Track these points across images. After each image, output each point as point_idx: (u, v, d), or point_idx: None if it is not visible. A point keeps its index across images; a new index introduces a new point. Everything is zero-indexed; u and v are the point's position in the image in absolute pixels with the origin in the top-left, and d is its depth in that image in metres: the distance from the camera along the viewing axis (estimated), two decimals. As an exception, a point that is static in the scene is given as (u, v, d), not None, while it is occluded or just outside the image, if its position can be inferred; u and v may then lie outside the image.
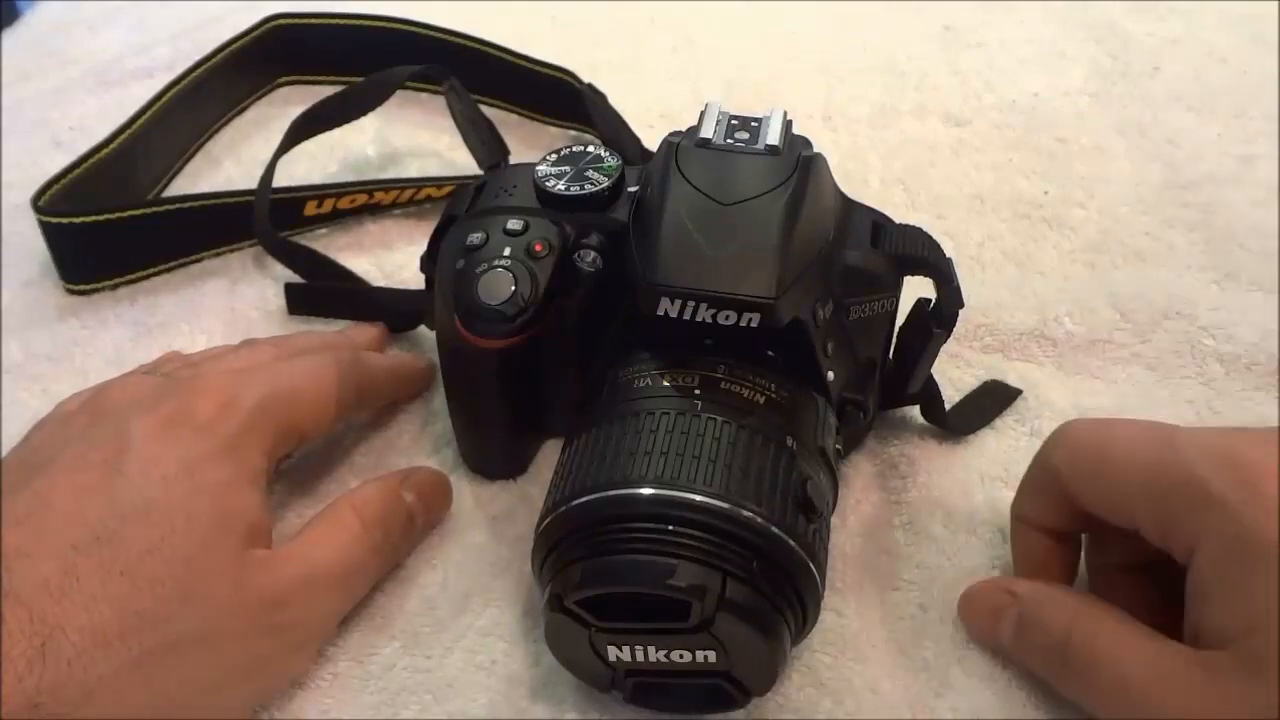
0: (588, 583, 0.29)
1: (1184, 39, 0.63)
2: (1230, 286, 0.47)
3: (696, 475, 0.29)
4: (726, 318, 0.32)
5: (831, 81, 0.62)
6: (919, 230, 0.37)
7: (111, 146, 0.53)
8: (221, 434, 0.33)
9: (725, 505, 0.29)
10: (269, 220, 0.49)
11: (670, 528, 0.29)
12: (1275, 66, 0.60)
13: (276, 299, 0.49)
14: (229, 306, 0.49)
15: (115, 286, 0.50)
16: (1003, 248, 0.50)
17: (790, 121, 0.35)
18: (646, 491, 0.29)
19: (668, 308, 0.32)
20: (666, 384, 0.32)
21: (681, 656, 0.30)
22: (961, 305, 0.36)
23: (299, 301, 0.49)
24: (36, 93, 0.65)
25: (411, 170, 0.57)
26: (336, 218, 0.53)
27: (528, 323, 0.35)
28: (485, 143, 0.47)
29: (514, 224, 0.36)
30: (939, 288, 0.36)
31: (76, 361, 0.47)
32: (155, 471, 0.31)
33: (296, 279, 0.49)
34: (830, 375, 0.35)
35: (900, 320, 0.38)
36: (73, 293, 0.50)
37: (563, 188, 0.36)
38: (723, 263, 0.32)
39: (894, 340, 0.39)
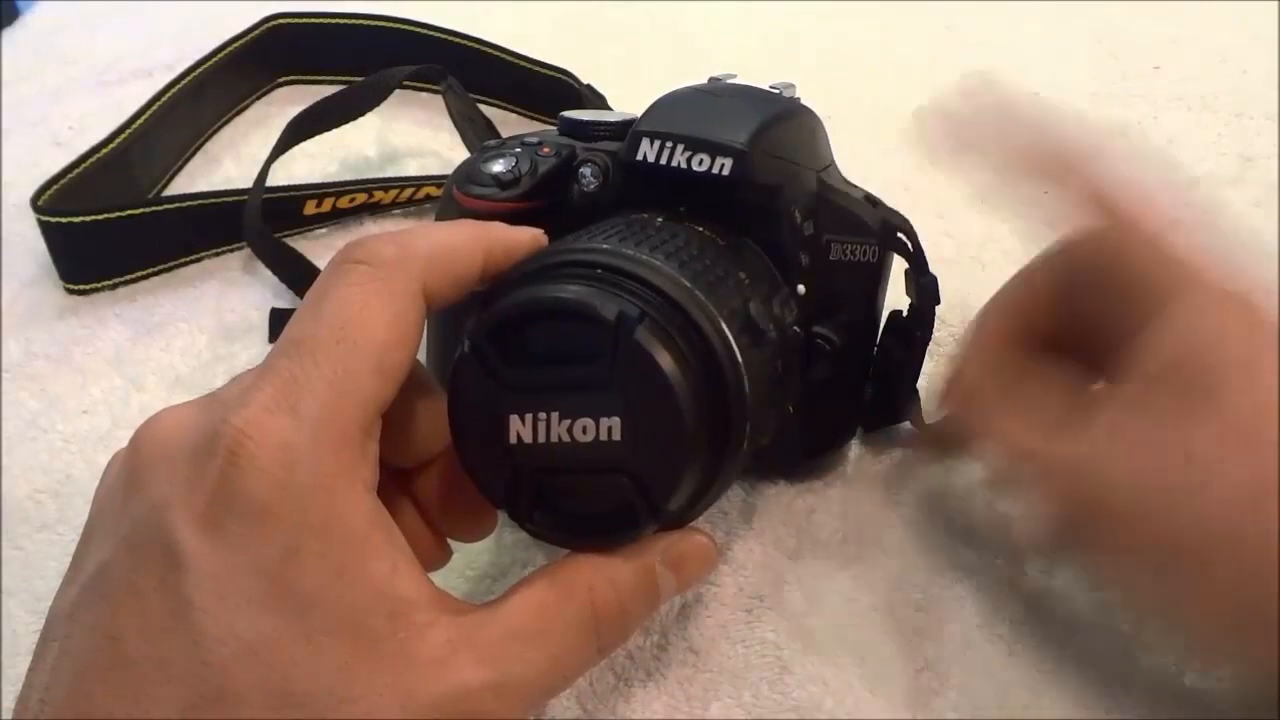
0: (500, 311, 0.27)
1: (1184, 39, 0.63)
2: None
3: (636, 248, 0.29)
4: (700, 162, 0.32)
5: (831, 81, 0.62)
6: (908, 220, 0.37)
7: (111, 146, 0.53)
8: (290, 508, 0.24)
9: (664, 267, 0.28)
10: (261, 221, 0.49)
11: (599, 271, 0.28)
12: (1275, 66, 0.60)
13: (276, 299, 0.49)
14: (229, 306, 0.49)
15: (115, 286, 0.50)
16: (1003, 248, 0.50)
17: (798, 96, 0.37)
18: (579, 245, 0.29)
19: (646, 150, 0.33)
20: (630, 217, 0.33)
21: (585, 431, 0.27)
22: (938, 301, 0.37)
23: (280, 328, 0.48)
24: (36, 93, 0.65)
25: (411, 169, 0.57)
26: (336, 217, 0.53)
27: (520, 196, 0.36)
28: (484, 141, 0.47)
29: (531, 138, 0.38)
30: (914, 280, 0.37)
31: (76, 361, 0.47)
32: (231, 598, 0.23)
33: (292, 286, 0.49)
34: (802, 289, 0.35)
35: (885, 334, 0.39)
36: (72, 292, 0.50)
37: (587, 116, 0.38)
38: (705, 119, 0.34)
39: (878, 356, 0.39)
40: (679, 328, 0.27)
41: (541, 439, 0.27)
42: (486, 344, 0.27)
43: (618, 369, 0.26)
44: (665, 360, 0.26)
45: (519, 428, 0.27)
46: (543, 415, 0.27)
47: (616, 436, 0.27)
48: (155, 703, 0.22)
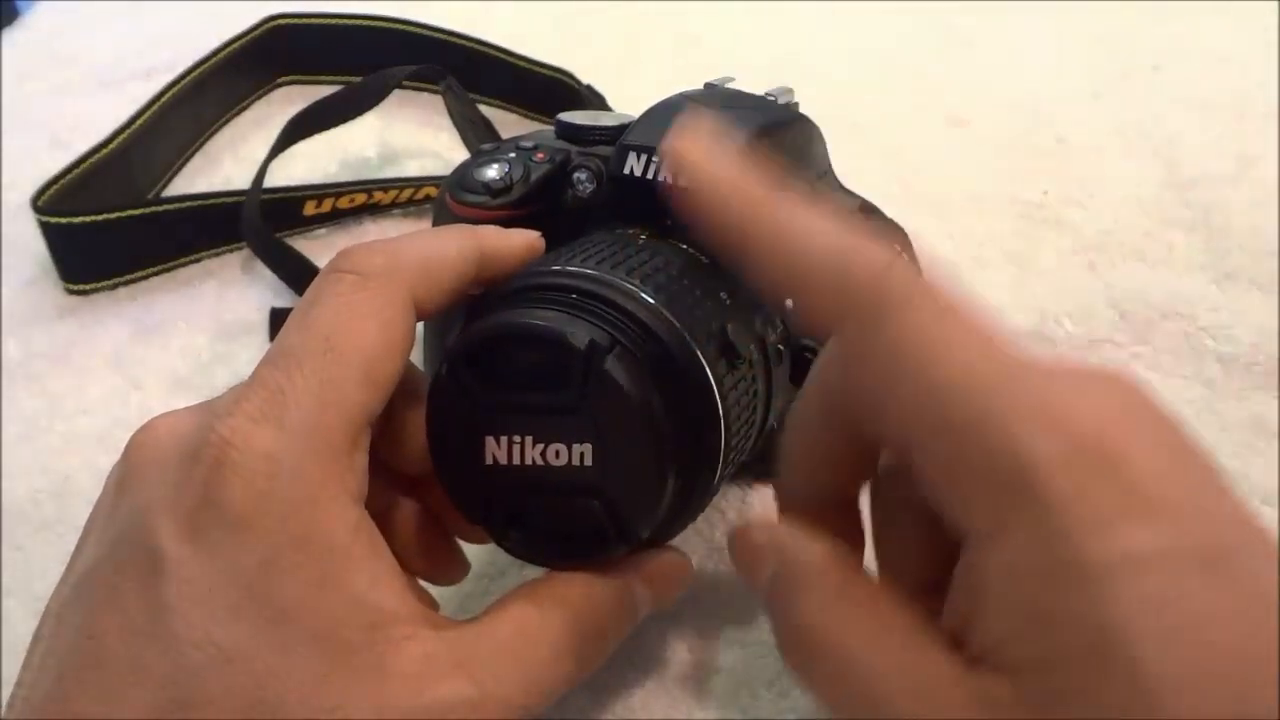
0: (474, 335, 0.28)
1: (1184, 39, 0.63)
2: (1229, 286, 0.47)
3: (613, 271, 0.29)
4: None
5: (832, 81, 0.62)
6: (903, 230, 0.37)
7: (111, 146, 0.53)
8: (271, 518, 0.24)
9: (640, 292, 0.28)
10: (260, 221, 0.49)
11: (574, 296, 0.28)
12: (1275, 66, 0.60)
13: (276, 299, 0.49)
14: (229, 306, 0.49)
15: (114, 286, 0.50)
16: (1003, 248, 0.50)
17: (796, 103, 0.37)
18: (557, 267, 0.29)
19: (633, 164, 0.33)
20: (615, 233, 0.33)
21: (558, 456, 0.28)
22: None
23: (280, 327, 0.48)
24: (36, 93, 0.65)
25: (411, 170, 0.57)
26: (336, 217, 0.53)
27: (511, 204, 0.36)
28: (483, 141, 0.47)
29: (526, 143, 0.38)
30: None
31: (76, 361, 0.47)
32: (208, 605, 0.23)
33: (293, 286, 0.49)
34: (790, 303, 0.35)
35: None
36: (72, 293, 0.50)
37: (582, 120, 0.38)
38: None
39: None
40: (652, 355, 0.27)
41: (516, 461, 0.28)
42: (462, 367, 0.28)
43: (588, 397, 0.27)
44: (635, 389, 0.27)
45: (494, 449, 0.28)
46: (517, 438, 0.28)
47: (588, 462, 0.27)
48: (128, 704, 0.23)
